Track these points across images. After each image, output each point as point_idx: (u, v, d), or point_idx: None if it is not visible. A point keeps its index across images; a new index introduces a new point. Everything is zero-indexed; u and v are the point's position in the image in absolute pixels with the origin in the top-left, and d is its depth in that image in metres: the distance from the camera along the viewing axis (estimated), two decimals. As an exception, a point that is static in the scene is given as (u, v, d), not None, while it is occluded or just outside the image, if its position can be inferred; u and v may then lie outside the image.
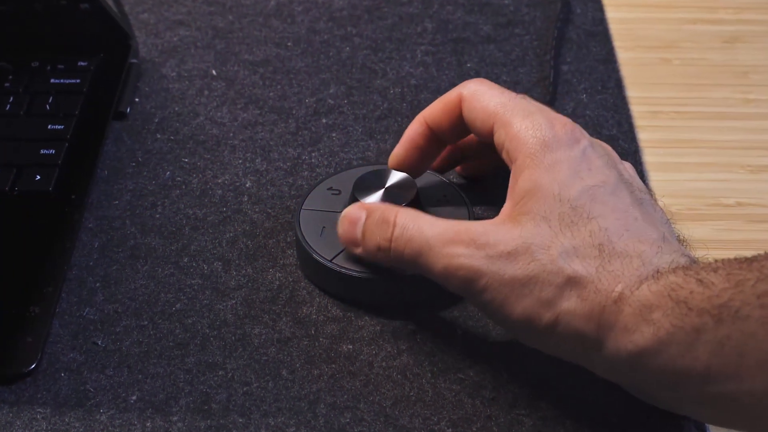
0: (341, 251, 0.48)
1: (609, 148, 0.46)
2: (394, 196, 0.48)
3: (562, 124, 0.44)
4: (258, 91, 0.61)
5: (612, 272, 0.39)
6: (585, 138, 0.44)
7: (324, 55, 0.64)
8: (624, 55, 0.64)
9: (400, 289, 0.48)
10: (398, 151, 0.50)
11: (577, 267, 0.39)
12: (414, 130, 0.49)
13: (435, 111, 0.48)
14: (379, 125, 0.58)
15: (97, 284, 0.49)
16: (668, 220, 0.44)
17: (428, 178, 0.52)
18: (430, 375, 0.45)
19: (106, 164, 0.56)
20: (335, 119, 0.59)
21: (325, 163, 0.56)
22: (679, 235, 0.44)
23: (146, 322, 0.48)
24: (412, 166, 0.50)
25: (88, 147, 0.55)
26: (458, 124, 0.48)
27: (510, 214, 0.42)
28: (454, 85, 0.60)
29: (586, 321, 0.39)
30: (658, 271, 0.39)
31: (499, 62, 0.63)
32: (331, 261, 0.48)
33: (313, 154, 0.57)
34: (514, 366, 0.46)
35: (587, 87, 0.61)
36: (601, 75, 0.62)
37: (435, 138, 0.49)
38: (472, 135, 0.49)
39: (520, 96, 0.46)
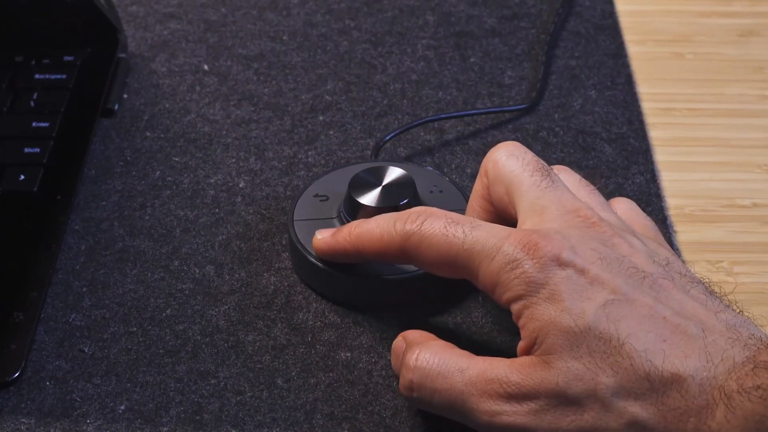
0: None
1: (584, 217, 0.42)
2: (391, 194, 0.47)
3: (534, 247, 0.39)
4: (252, 87, 0.61)
5: (675, 409, 0.36)
6: (565, 248, 0.39)
7: (321, 49, 0.64)
8: (635, 49, 0.64)
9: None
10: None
11: (635, 410, 0.37)
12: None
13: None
14: (378, 122, 0.58)
15: (84, 289, 0.49)
16: (685, 270, 0.41)
17: (425, 173, 0.51)
18: (433, 385, 0.45)
19: (93, 163, 0.55)
20: (333, 116, 0.58)
21: (322, 162, 0.56)
22: (705, 284, 0.40)
23: (135, 329, 0.47)
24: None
25: (74, 145, 0.54)
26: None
27: (538, 355, 0.39)
28: (456, 80, 0.61)
29: None
30: (725, 394, 0.36)
31: (504, 57, 0.63)
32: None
33: (310, 153, 0.56)
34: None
35: (596, 83, 0.61)
36: (611, 70, 0.62)
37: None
38: None
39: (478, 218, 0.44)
